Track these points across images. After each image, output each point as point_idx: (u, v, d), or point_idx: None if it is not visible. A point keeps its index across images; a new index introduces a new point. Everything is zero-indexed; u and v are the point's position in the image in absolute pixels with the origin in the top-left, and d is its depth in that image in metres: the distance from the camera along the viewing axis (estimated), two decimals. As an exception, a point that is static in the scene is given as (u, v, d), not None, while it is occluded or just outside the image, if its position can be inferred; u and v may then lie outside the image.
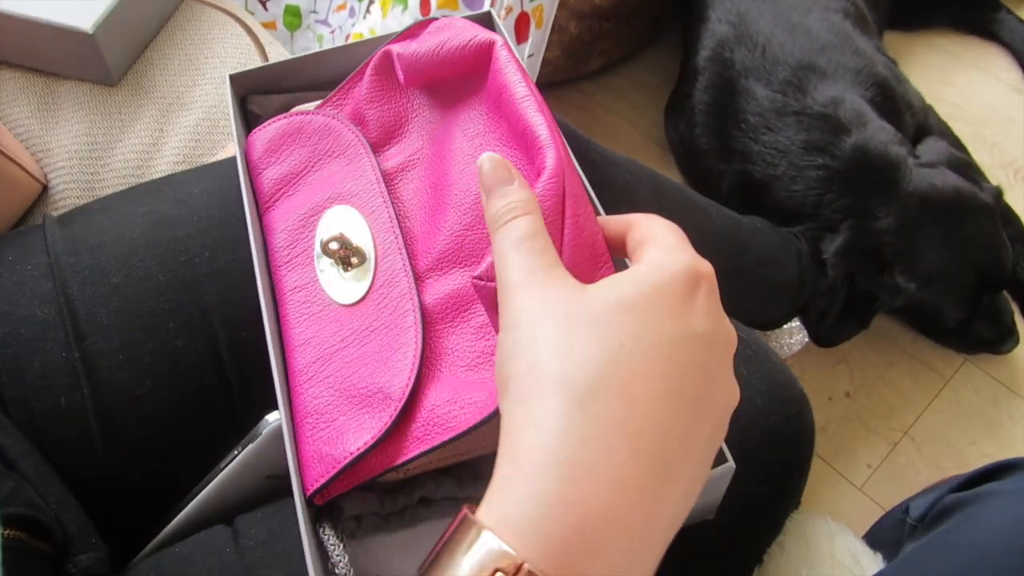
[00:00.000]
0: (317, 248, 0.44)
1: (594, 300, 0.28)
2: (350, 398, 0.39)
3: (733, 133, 0.99)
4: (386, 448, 0.37)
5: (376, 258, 0.43)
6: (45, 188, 0.69)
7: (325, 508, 0.40)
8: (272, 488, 0.49)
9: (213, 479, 0.48)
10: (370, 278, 0.43)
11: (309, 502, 0.38)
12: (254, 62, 0.78)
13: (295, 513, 0.38)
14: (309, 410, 0.40)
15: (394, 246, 0.43)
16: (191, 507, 0.48)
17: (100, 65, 0.72)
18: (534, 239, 0.30)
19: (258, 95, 0.55)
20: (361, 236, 0.44)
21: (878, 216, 0.89)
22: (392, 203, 0.45)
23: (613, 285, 0.28)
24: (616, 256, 0.35)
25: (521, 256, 0.29)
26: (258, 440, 0.46)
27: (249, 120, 0.55)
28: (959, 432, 0.93)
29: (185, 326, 0.51)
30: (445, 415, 0.36)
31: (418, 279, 0.42)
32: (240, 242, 0.51)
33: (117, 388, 0.50)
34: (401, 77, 0.48)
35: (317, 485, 0.37)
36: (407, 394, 0.37)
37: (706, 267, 0.30)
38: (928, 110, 1.11)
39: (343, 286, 0.43)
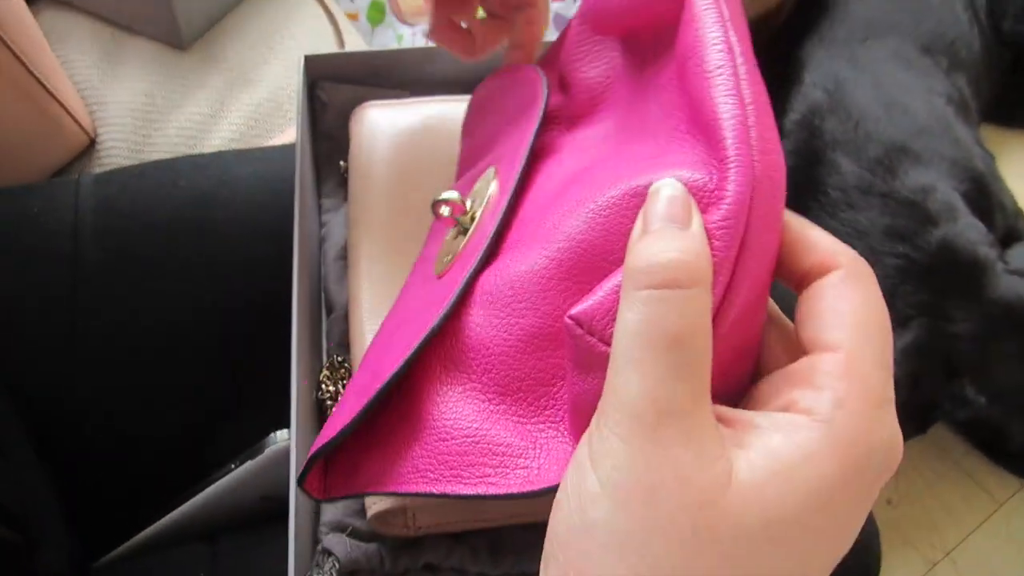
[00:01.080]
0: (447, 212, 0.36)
1: (737, 507, 0.17)
2: (365, 379, 0.33)
3: (810, 204, 0.94)
4: (383, 464, 0.29)
5: (473, 229, 0.34)
6: (92, 142, 0.66)
7: (319, 552, 0.35)
8: (263, 511, 0.44)
9: (204, 488, 0.43)
10: (459, 250, 0.34)
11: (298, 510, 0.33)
12: (329, 49, 0.74)
13: (281, 547, 0.33)
14: (348, 390, 0.34)
15: (490, 223, 0.33)
16: (174, 514, 0.44)
17: (172, 26, 0.69)
18: (691, 348, 0.18)
19: (329, 83, 0.51)
20: (479, 203, 0.35)
21: (955, 319, 0.83)
22: (526, 174, 0.34)
23: (772, 485, 0.18)
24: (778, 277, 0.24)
25: (658, 371, 0.18)
26: (260, 457, 0.42)
27: (315, 107, 0.51)
28: (1006, 562, 0.86)
29: (199, 312, 0.48)
30: (460, 455, 0.28)
31: (491, 259, 0.32)
32: (282, 236, 0.47)
33: (116, 365, 0.46)
34: (586, 23, 0.35)
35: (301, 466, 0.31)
36: (386, 379, 0.29)
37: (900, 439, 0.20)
38: (1020, 214, 1.04)
39: (443, 258, 0.36)
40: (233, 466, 0.42)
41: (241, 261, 0.48)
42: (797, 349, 0.21)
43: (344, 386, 0.43)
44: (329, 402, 0.42)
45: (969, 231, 0.86)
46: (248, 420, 0.47)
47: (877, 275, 0.81)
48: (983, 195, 0.94)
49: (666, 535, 0.17)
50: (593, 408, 0.20)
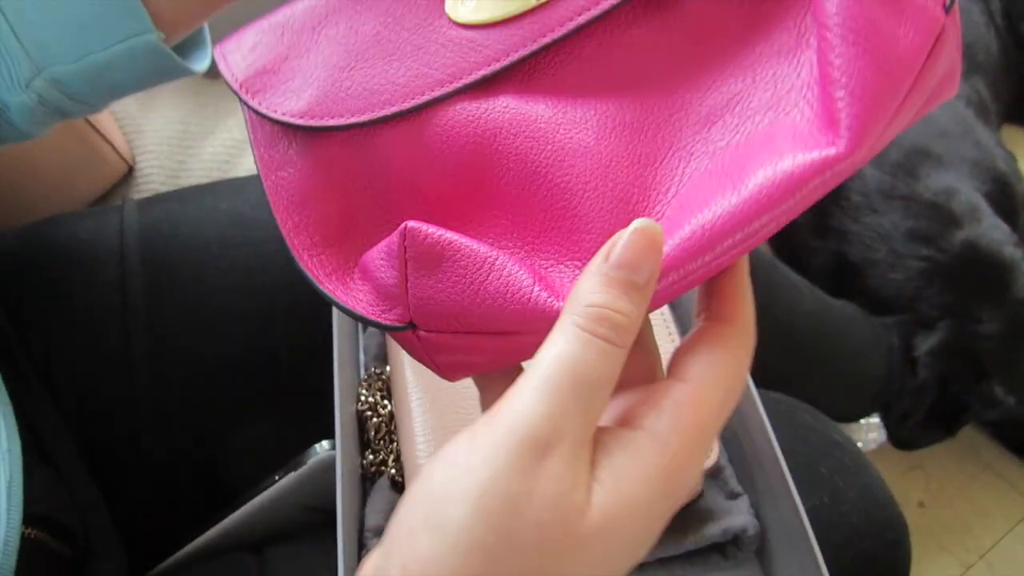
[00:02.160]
0: None
1: (590, 530, 0.19)
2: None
3: (832, 209, 0.94)
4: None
5: None
6: (131, 169, 0.69)
7: (366, 557, 0.37)
8: (307, 522, 0.46)
9: (248, 500, 0.45)
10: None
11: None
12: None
13: (324, 554, 0.35)
14: None
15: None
16: (220, 526, 0.45)
17: (205, 55, 0.71)
18: (602, 393, 0.21)
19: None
20: None
21: (981, 319, 0.83)
22: None
23: (618, 508, 0.20)
24: None
25: (570, 405, 0.20)
26: (303, 468, 0.43)
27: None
28: (1042, 565, 0.85)
29: (248, 332, 0.49)
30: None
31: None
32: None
33: (170, 386, 0.48)
34: None
35: None
36: None
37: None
38: (1044, 214, 1.04)
39: None
40: (277, 477, 0.44)
41: (282, 280, 0.50)
42: (654, 374, 0.25)
43: (381, 397, 0.44)
44: (368, 413, 0.44)
45: (993, 231, 0.86)
46: (290, 431, 0.48)
47: (901, 278, 0.79)
48: (1006, 196, 0.94)
49: (516, 548, 0.19)
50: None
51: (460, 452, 0.20)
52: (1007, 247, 0.85)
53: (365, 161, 0.27)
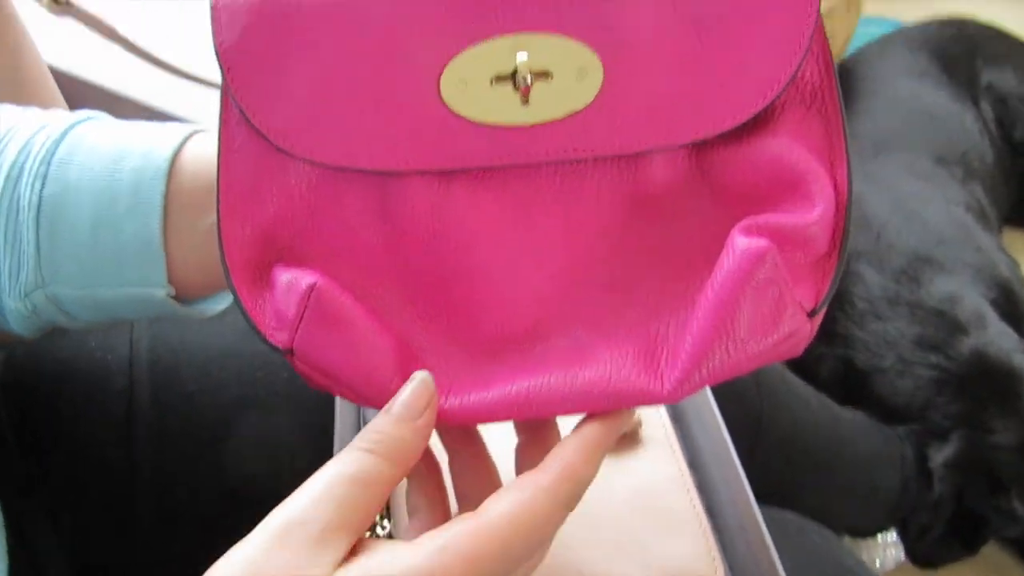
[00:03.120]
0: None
1: None
2: None
3: (837, 315, 0.94)
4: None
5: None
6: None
7: None
8: None
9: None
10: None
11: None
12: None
13: None
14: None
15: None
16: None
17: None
18: (353, 490, 0.24)
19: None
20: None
21: (995, 429, 0.81)
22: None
23: None
24: None
25: (315, 491, 0.24)
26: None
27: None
28: None
29: (246, 445, 0.48)
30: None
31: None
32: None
33: (164, 504, 0.47)
34: None
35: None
36: None
37: None
38: (1051, 319, 1.03)
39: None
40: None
41: (290, 394, 0.49)
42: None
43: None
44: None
45: (1001, 339, 0.86)
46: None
47: (910, 386, 0.78)
48: (1011, 302, 0.94)
49: None
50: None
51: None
52: (1016, 355, 0.85)
53: (318, 192, 0.29)
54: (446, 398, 0.27)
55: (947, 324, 0.87)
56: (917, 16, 1.22)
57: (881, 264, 0.93)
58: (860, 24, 1.24)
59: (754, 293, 0.25)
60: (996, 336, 0.86)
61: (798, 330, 0.27)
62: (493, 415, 0.27)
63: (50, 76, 0.50)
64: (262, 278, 0.29)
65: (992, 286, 0.93)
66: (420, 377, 0.26)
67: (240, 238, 0.29)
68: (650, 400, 0.26)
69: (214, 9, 0.28)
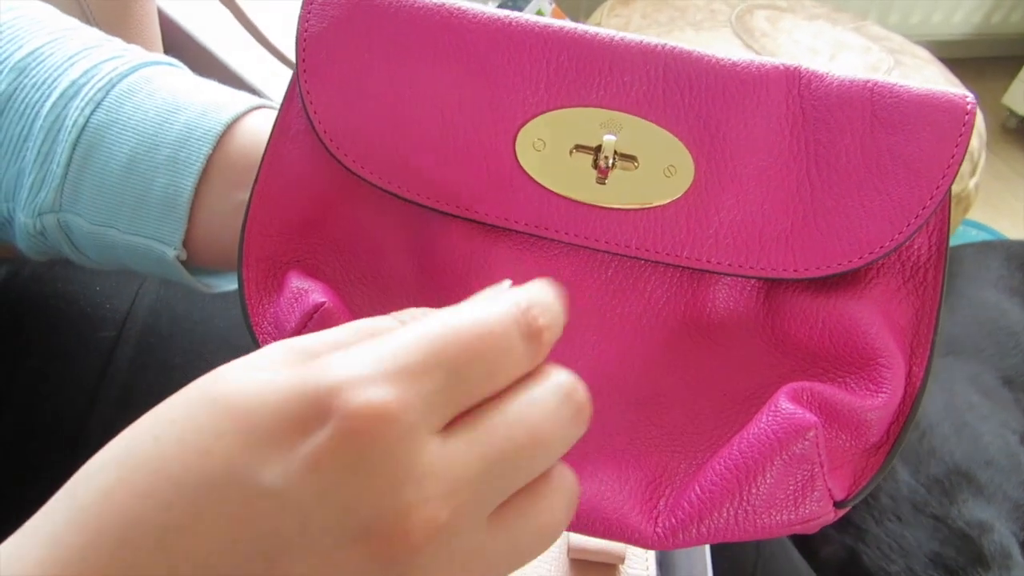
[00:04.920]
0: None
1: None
2: None
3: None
4: None
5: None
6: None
7: None
8: None
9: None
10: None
11: None
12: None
13: None
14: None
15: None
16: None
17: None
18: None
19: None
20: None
21: None
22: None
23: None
24: None
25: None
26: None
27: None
28: None
29: None
30: None
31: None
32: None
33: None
34: None
35: None
36: None
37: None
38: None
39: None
40: None
41: None
42: None
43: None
44: None
45: (1023, 587, 0.79)
46: None
47: None
48: (1044, 550, 0.87)
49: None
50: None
51: None
52: (1035, 609, 0.78)
53: (356, 208, 0.27)
54: None
55: (970, 551, 0.80)
56: (1019, 234, 1.19)
57: (918, 466, 0.87)
58: (963, 224, 1.21)
59: (783, 465, 0.22)
60: (1019, 581, 0.79)
61: (820, 517, 0.23)
62: None
63: (156, 22, 0.50)
64: (274, 276, 0.28)
65: (1028, 527, 0.87)
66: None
67: (264, 227, 0.27)
68: (635, 541, 0.23)
69: None
